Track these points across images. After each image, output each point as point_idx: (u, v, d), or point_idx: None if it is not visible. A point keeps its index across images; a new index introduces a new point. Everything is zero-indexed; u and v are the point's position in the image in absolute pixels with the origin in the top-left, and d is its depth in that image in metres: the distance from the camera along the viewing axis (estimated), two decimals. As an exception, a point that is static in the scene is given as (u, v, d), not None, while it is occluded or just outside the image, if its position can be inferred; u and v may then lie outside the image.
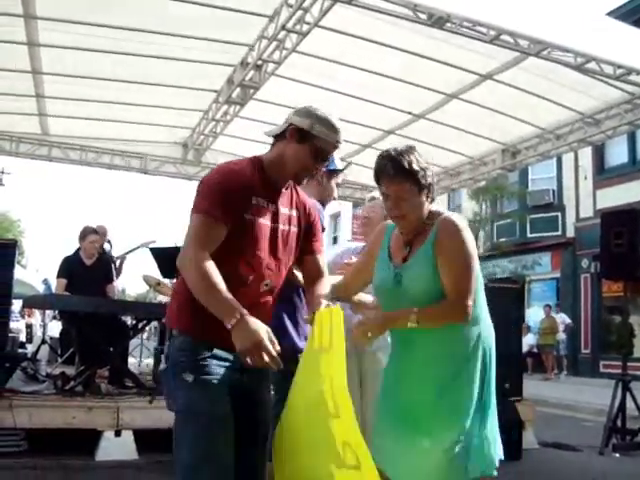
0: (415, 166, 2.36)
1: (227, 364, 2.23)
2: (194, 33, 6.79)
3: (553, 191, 19.22)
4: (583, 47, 6.30)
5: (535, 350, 17.16)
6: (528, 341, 16.44)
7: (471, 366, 2.38)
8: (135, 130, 9.59)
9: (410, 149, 2.40)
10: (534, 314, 17.72)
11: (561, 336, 17.05)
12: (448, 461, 2.29)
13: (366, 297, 2.93)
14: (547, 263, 19.37)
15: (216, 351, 2.21)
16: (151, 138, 9.97)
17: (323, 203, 3.30)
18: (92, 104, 8.48)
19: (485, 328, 2.46)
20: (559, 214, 19.04)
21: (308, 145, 2.29)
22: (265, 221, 2.28)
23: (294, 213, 2.42)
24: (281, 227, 2.34)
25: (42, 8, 6.24)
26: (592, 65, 6.53)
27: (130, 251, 8.25)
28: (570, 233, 18.64)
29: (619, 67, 6.59)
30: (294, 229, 2.41)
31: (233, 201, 2.20)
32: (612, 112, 7.93)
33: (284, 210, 2.37)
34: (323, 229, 2.66)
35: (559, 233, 19.02)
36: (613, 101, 7.75)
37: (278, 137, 2.36)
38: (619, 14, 13.80)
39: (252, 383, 2.31)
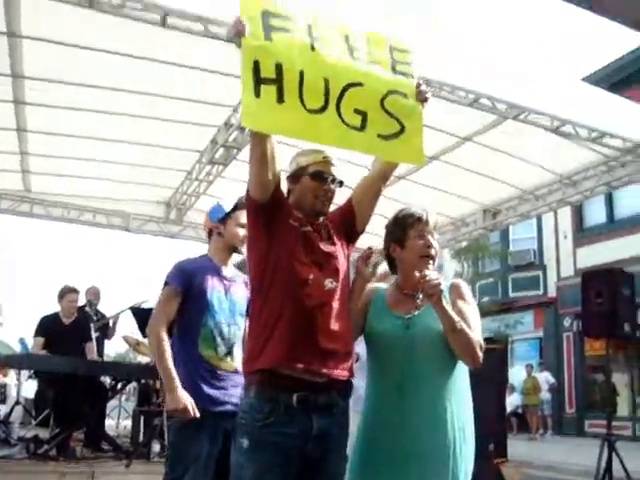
0: None
1: (288, 431, 2.14)
2: (180, 94, 6.89)
3: (534, 251, 19.43)
4: (559, 111, 6.48)
5: (519, 410, 17.00)
6: (513, 401, 16.31)
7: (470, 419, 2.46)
8: (118, 188, 9.59)
9: None
10: (517, 374, 17.56)
11: (545, 395, 16.92)
12: None
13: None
14: (530, 322, 19.42)
15: (277, 417, 2.15)
16: (134, 196, 9.98)
17: (237, 249, 3.26)
18: (75, 161, 8.49)
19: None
20: (540, 273, 19.20)
21: (304, 178, 2.43)
22: (306, 228, 2.37)
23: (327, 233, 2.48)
24: (321, 239, 2.40)
25: (29, 68, 6.32)
26: (567, 128, 6.71)
27: (123, 311, 8.12)
28: (552, 292, 18.76)
29: (593, 130, 6.77)
30: (335, 245, 2.46)
31: (277, 211, 2.34)
32: (589, 173, 8.07)
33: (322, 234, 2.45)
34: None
35: (541, 292, 19.14)
36: (589, 163, 7.90)
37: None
38: (594, 79, 14.25)
39: (317, 452, 2.20)
